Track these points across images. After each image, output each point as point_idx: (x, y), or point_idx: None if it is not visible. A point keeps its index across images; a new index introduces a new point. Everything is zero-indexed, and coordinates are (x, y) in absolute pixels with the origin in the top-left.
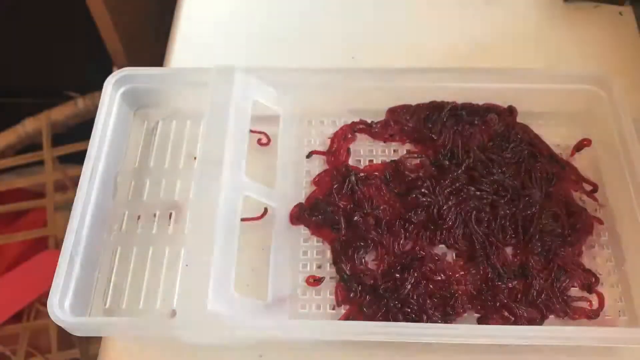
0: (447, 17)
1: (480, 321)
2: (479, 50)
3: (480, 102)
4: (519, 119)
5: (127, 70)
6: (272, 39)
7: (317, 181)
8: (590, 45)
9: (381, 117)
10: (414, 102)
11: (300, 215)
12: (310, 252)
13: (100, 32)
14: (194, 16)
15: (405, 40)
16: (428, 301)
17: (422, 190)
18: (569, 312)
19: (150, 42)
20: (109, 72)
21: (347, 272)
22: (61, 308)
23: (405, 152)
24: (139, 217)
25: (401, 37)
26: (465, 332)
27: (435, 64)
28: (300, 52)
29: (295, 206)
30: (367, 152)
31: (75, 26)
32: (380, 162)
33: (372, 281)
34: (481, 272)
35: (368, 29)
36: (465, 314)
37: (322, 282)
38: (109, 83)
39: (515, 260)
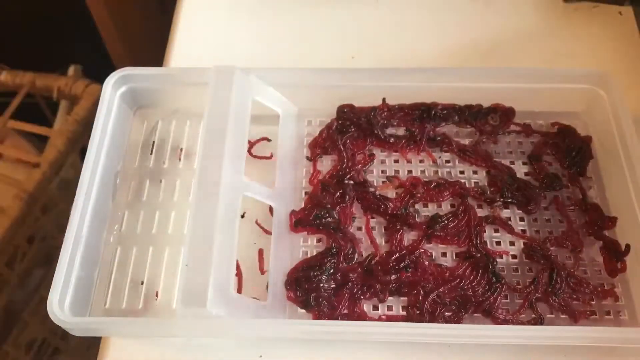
0: (448, 17)
1: (479, 321)
2: (479, 50)
3: (480, 102)
4: (519, 119)
5: (127, 70)
6: (272, 39)
7: (315, 180)
8: (590, 45)
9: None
10: (413, 101)
11: (299, 223)
12: (309, 252)
13: (100, 32)
14: (194, 16)
15: (404, 41)
16: (428, 300)
17: (421, 195)
18: (570, 311)
19: (150, 42)
20: (109, 72)
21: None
22: (61, 308)
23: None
24: (138, 217)
25: (401, 37)
26: (464, 331)
27: (435, 63)
28: (300, 52)
29: (293, 216)
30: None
31: (76, 26)
32: (380, 160)
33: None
34: (480, 272)
35: (368, 29)
36: (466, 314)
37: None
38: (109, 83)
39: (515, 260)
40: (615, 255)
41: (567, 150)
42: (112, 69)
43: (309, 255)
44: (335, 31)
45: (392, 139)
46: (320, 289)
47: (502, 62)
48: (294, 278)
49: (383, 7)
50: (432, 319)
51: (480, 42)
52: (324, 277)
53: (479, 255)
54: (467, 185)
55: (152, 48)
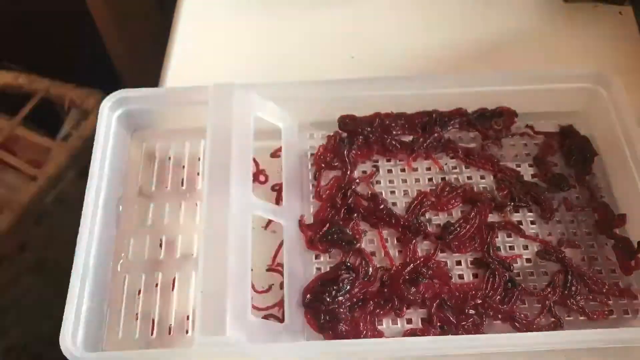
0: (448, 17)
1: (499, 328)
2: (479, 50)
3: (482, 106)
4: (522, 121)
5: (123, 92)
6: (272, 39)
7: (320, 195)
8: (590, 45)
9: None
10: (414, 110)
11: (313, 243)
12: (323, 268)
13: (100, 31)
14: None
15: (404, 41)
16: (443, 311)
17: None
18: (588, 313)
19: (150, 42)
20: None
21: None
22: (74, 344)
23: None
24: (145, 243)
25: (401, 37)
26: (487, 341)
27: (435, 64)
28: (300, 52)
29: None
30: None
31: (75, 26)
32: (387, 170)
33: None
34: (495, 280)
35: (368, 29)
36: (484, 322)
37: None
38: (105, 106)
39: (530, 264)
40: (628, 252)
41: (570, 149)
42: (112, 68)
43: (322, 272)
44: (335, 31)
45: (398, 146)
46: (337, 312)
47: (502, 62)
48: (310, 298)
49: (383, 7)
50: (453, 330)
51: (480, 42)
52: (340, 296)
53: (493, 261)
54: (476, 190)
55: (152, 48)
